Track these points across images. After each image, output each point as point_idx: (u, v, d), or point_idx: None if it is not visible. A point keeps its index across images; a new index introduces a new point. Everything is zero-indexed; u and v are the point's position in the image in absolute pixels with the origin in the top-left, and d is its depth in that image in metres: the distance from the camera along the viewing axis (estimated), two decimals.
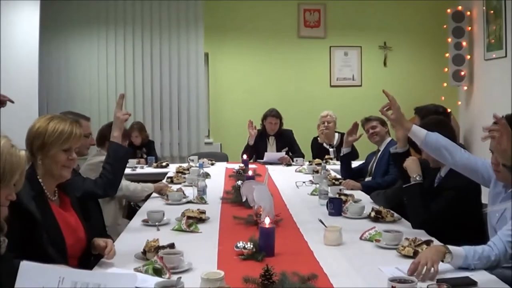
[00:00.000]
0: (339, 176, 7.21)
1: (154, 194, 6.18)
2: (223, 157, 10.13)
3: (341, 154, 7.47)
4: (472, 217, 4.54)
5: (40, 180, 3.51)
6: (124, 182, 6.02)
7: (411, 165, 4.79)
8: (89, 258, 3.72)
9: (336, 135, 9.36)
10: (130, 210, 6.49)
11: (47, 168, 3.52)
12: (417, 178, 4.66)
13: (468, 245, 3.47)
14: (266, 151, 9.29)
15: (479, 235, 4.41)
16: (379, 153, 7.20)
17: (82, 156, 5.60)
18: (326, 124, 9.28)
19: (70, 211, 3.70)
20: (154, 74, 11.48)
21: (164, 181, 7.09)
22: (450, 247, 3.38)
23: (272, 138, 9.47)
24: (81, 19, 11.13)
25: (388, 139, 7.26)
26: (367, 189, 6.49)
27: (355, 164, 7.74)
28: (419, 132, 4.27)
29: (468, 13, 11.18)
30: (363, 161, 7.75)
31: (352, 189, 6.48)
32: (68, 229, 3.54)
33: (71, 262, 3.44)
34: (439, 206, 4.52)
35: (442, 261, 3.32)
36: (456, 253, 3.35)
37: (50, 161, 3.51)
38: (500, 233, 3.52)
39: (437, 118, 5.17)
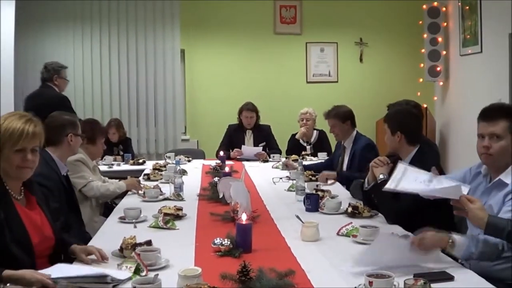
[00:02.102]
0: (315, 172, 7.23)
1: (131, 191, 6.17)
2: (200, 154, 10.09)
3: None
4: (441, 201, 4.64)
5: (3, 179, 3.38)
6: (95, 183, 5.98)
7: (374, 168, 4.88)
8: (59, 257, 3.63)
9: (314, 132, 9.36)
10: (106, 208, 6.47)
11: (5, 168, 3.37)
12: (381, 177, 4.72)
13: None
14: (243, 145, 9.25)
15: (450, 220, 4.53)
16: (347, 151, 7.16)
17: (74, 155, 5.57)
18: (304, 121, 9.28)
19: (36, 209, 3.60)
20: (131, 71, 11.43)
21: (140, 178, 7.07)
22: (453, 236, 3.45)
23: (249, 132, 9.41)
24: (57, 17, 11.06)
25: (353, 134, 7.19)
26: (343, 180, 6.59)
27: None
28: None
29: (444, 9, 11.25)
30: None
31: (327, 179, 6.52)
32: (34, 227, 3.45)
33: (40, 262, 3.38)
34: (408, 195, 4.55)
35: (444, 251, 3.42)
36: (459, 241, 3.43)
37: (5, 162, 3.35)
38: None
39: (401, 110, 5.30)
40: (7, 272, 2.96)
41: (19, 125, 3.34)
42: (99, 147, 6.36)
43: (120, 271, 3.22)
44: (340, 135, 7.27)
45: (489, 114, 3.84)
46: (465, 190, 3.66)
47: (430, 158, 4.80)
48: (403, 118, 4.97)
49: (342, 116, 7.16)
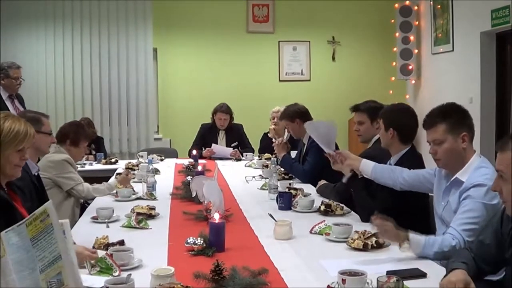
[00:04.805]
0: None
1: None
2: (172, 153, 10.06)
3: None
4: (418, 204, 4.66)
5: None
6: (86, 186, 5.99)
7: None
8: None
9: (286, 132, 9.35)
10: (81, 207, 6.45)
11: (2, 167, 3.43)
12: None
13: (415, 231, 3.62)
14: (214, 144, 9.23)
15: (425, 222, 4.61)
16: (305, 147, 7.17)
17: (44, 154, 5.57)
18: (276, 120, 9.27)
19: (22, 208, 3.65)
20: (103, 69, 11.37)
21: (113, 177, 7.04)
22: (411, 235, 3.55)
23: (222, 132, 9.38)
24: (29, 15, 10.97)
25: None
26: (284, 162, 7.08)
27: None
28: (367, 169, 4.64)
29: (416, 8, 11.32)
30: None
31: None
32: None
33: None
34: (385, 196, 4.57)
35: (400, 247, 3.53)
36: (415, 241, 3.54)
37: (3, 161, 3.41)
38: (453, 224, 3.64)
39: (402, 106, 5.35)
40: None
41: (22, 127, 3.44)
42: (81, 150, 6.38)
43: (94, 278, 3.19)
44: (294, 134, 7.41)
45: (428, 121, 4.01)
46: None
47: (418, 161, 4.84)
48: (398, 115, 4.94)
49: (290, 116, 7.22)
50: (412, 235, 3.56)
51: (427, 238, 3.58)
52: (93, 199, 5.93)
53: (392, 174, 4.46)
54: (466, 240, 3.54)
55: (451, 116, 3.89)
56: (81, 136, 6.33)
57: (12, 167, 3.47)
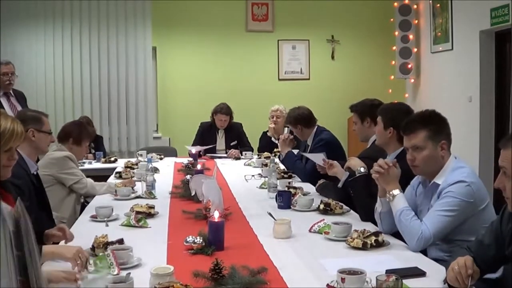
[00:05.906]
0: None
1: None
2: (172, 152, 10.06)
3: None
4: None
5: None
6: (89, 181, 6.04)
7: (353, 161, 4.91)
8: None
9: (285, 129, 9.33)
10: (80, 206, 6.46)
11: None
12: (362, 170, 4.72)
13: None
14: (215, 143, 9.23)
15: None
16: (308, 148, 7.20)
17: (43, 153, 5.59)
18: (275, 118, 9.25)
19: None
20: (102, 68, 11.35)
21: (112, 176, 7.05)
22: (400, 194, 3.93)
23: (221, 131, 9.36)
24: (28, 14, 10.94)
25: (313, 132, 7.28)
26: (287, 159, 7.17)
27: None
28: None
29: (415, 6, 11.31)
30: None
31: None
32: None
33: None
34: None
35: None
36: (397, 200, 3.90)
37: None
38: (428, 217, 3.77)
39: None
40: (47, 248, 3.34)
41: (9, 125, 3.28)
42: (83, 149, 6.42)
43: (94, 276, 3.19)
44: (299, 137, 7.53)
45: (408, 127, 4.02)
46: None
47: None
48: (399, 115, 4.88)
49: (292, 122, 7.36)
50: (401, 195, 3.91)
51: (406, 208, 3.84)
52: (93, 197, 5.94)
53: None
54: (432, 234, 3.68)
55: (432, 123, 3.94)
56: (83, 135, 6.35)
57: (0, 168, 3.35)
